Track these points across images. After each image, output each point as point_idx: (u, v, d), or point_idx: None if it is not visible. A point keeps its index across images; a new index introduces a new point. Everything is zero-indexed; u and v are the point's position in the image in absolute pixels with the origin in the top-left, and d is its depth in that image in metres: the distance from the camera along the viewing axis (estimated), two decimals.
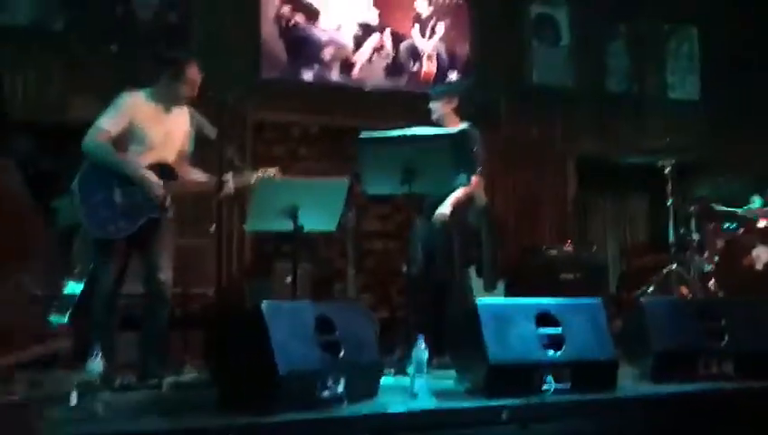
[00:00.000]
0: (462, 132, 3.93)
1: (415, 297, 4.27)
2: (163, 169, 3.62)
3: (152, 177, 3.54)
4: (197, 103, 3.86)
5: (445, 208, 4.19)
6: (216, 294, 4.82)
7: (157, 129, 3.64)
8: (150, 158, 3.60)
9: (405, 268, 4.33)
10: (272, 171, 3.80)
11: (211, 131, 3.82)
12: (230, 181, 3.65)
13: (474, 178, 4.20)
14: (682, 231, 5.83)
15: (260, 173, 3.76)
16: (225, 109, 3.86)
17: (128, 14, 5.48)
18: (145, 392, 3.18)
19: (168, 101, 3.68)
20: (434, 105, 4.41)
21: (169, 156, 3.69)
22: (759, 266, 4.91)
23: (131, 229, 3.53)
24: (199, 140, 3.92)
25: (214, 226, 4.01)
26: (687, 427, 2.96)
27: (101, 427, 2.47)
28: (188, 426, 2.47)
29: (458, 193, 4.19)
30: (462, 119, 4.43)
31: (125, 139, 3.57)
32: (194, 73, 3.69)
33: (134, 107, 3.61)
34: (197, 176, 3.80)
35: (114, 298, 3.61)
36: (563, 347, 2.92)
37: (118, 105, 3.60)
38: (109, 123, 3.55)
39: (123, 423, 2.52)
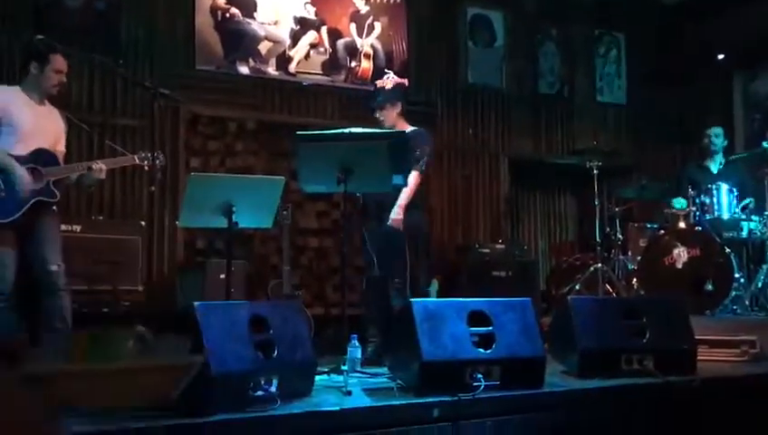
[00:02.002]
0: (399, 133, 3.97)
1: (370, 295, 4.39)
2: (45, 155, 3.64)
3: (18, 167, 3.53)
4: None
5: (398, 214, 4.26)
6: (146, 291, 4.72)
7: (29, 118, 3.66)
8: (28, 145, 3.61)
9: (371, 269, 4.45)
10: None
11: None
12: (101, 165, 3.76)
13: (416, 175, 4.27)
14: (608, 230, 6.05)
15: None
16: (157, 100, 3.80)
17: (55, 3, 5.27)
18: None
19: (37, 92, 3.71)
20: (380, 115, 4.47)
21: (46, 145, 3.70)
22: (679, 265, 5.13)
23: (15, 215, 3.50)
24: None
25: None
26: (611, 421, 3.08)
27: None
28: (115, 428, 2.41)
29: (409, 193, 4.26)
30: (410, 121, 4.53)
31: None
32: (59, 63, 3.71)
33: (5, 96, 3.64)
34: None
35: (24, 289, 3.53)
36: (494, 345, 2.99)
37: None
38: None
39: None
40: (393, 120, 4.42)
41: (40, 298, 3.58)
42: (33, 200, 3.55)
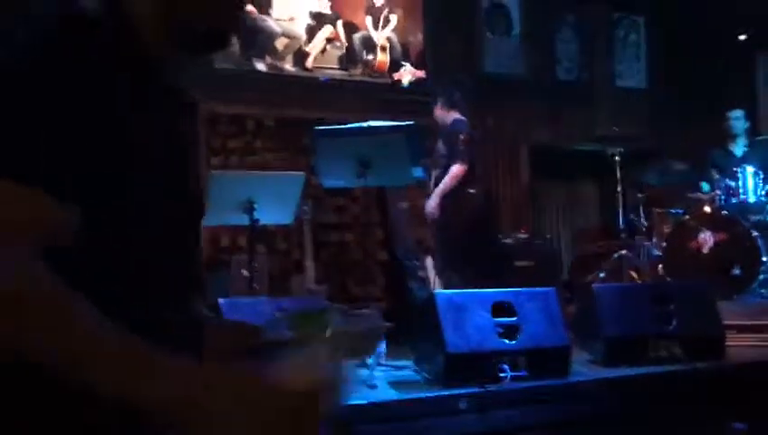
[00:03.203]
0: (415, 126, 4.00)
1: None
2: None
3: None
4: None
5: (433, 201, 4.54)
6: None
7: None
8: None
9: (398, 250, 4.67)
10: None
11: None
12: None
13: (458, 167, 4.44)
14: (631, 217, 5.99)
15: None
16: None
17: None
18: None
19: None
20: (435, 115, 4.84)
21: None
22: (705, 250, 5.07)
23: None
24: None
25: None
26: (638, 409, 3.05)
27: None
28: None
29: (447, 183, 4.51)
30: (451, 110, 4.82)
31: None
32: None
33: None
34: None
35: None
36: (519, 335, 2.98)
37: None
38: None
39: None
40: (440, 116, 4.67)
41: None
42: None
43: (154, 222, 0.82)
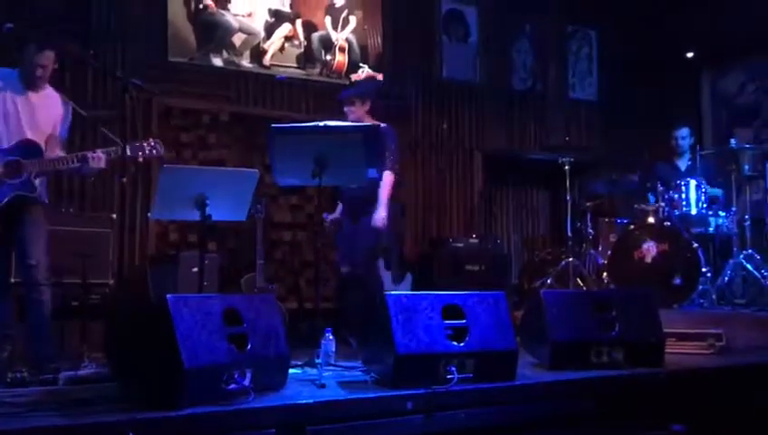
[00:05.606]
0: (374, 127, 3.98)
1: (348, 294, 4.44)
2: (27, 146, 3.56)
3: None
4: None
5: (383, 212, 4.30)
6: (117, 284, 4.67)
7: (18, 105, 3.58)
8: (18, 134, 3.55)
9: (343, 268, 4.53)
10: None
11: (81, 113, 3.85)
12: (100, 154, 3.60)
13: (390, 175, 4.33)
14: (579, 225, 6.13)
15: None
16: (128, 91, 3.70)
17: None
18: (40, 388, 3.04)
19: (26, 78, 3.62)
20: (348, 109, 4.49)
21: (36, 136, 3.61)
22: (648, 260, 5.22)
23: None
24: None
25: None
26: (581, 412, 3.13)
27: None
28: (87, 422, 2.38)
29: (387, 192, 4.29)
30: (376, 119, 4.52)
31: None
32: (32, 55, 3.60)
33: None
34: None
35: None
36: (467, 338, 3.02)
37: None
38: None
39: (16, 420, 2.40)
40: (360, 116, 4.45)
41: (27, 294, 3.54)
42: (10, 195, 3.47)
43: None
